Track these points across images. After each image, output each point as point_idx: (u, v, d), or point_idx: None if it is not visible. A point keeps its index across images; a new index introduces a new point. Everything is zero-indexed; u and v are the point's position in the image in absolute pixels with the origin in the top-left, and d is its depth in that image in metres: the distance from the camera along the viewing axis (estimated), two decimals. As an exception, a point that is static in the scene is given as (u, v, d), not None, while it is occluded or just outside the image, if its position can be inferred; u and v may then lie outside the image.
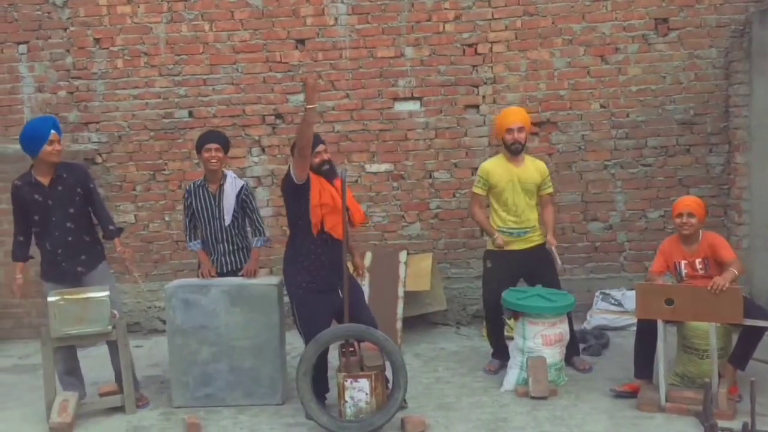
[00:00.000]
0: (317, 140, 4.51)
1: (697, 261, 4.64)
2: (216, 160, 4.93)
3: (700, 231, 4.66)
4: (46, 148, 4.55)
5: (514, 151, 5.09)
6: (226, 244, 5.02)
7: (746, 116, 6.03)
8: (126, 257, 4.79)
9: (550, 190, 5.27)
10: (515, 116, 5.10)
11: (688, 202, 4.70)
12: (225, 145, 5.03)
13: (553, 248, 5.10)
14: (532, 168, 5.16)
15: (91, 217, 4.80)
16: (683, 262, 4.67)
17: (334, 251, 4.42)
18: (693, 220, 4.59)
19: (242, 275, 4.93)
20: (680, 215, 4.62)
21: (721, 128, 6.30)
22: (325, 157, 4.51)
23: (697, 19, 6.28)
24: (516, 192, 5.09)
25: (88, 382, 4.97)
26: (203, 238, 5.05)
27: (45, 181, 4.63)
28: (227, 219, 4.98)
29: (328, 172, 4.51)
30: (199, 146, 5.00)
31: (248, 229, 5.14)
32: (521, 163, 5.14)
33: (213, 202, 4.99)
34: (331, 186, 4.47)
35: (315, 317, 4.45)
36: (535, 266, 5.14)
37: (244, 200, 5.01)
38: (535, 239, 5.15)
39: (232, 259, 5.04)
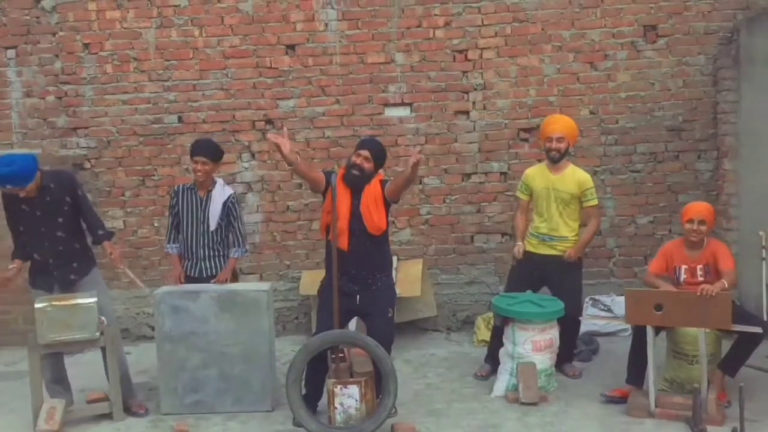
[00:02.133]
0: (362, 144, 4.47)
1: (699, 267, 4.63)
2: (202, 173, 4.95)
3: (706, 238, 4.66)
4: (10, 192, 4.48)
5: (552, 159, 5.12)
6: (207, 249, 5.03)
7: (734, 123, 6.06)
8: (114, 257, 4.70)
9: (593, 203, 5.16)
10: (556, 125, 5.14)
11: (700, 209, 4.64)
12: (214, 156, 5.01)
13: (565, 256, 5.09)
14: (571, 178, 5.12)
15: (80, 223, 4.75)
16: (684, 267, 4.67)
17: (345, 259, 4.32)
18: (703, 228, 4.57)
19: (214, 282, 4.93)
20: (691, 221, 4.59)
21: (710, 135, 6.33)
22: (357, 161, 4.34)
23: (686, 26, 6.32)
24: (549, 200, 5.11)
25: (76, 389, 4.93)
26: (184, 241, 5.06)
27: (32, 193, 4.51)
28: (212, 224, 4.99)
29: (350, 178, 4.33)
30: (190, 155, 5.03)
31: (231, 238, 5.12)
32: (560, 172, 5.13)
33: (200, 206, 5.01)
34: (347, 193, 4.32)
35: (324, 310, 4.45)
36: (556, 275, 5.12)
37: (230, 208, 5.02)
38: (561, 248, 5.12)
39: (211, 264, 5.04)
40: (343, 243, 4.32)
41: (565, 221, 5.13)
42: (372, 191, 4.36)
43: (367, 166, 4.37)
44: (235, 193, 5.15)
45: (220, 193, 5.02)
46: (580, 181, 5.13)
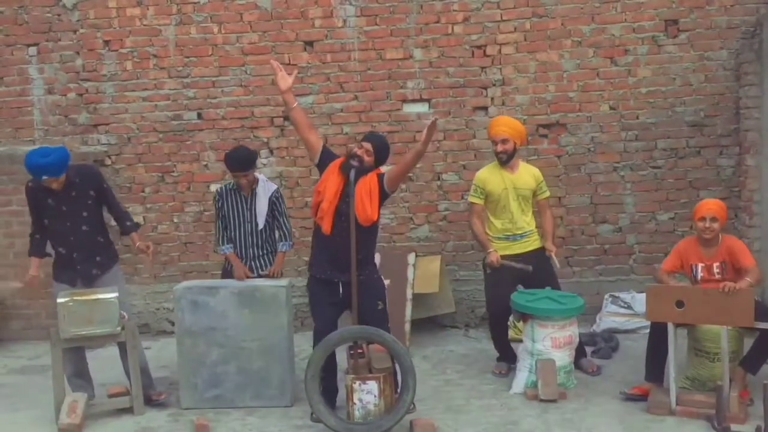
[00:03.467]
0: (366, 137, 4.48)
1: (715, 265, 4.58)
2: (246, 184, 4.97)
3: (720, 234, 4.62)
4: (43, 183, 4.56)
5: (500, 161, 5.12)
6: (256, 248, 5.06)
7: (757, 118, 5.99)
8: (147, 251, 4.78)
9: (547, 194, 5.27)
10: (498, 128, 5.12)
11: (712, 206, 4.61)
12: (251, 165, 4.97)
13: (553, 255, 5.16)
14: (527, 174, 5.17)
15: (104, 218, 4.83)
16: (700, 265, 4.62)
17: (328, 243, 4.34)
18: (716, 225, 4.54)
19: (266, 275, 5.00)
20: (703, 219, 4.55)
21: (732, 130, 6.26)
22: (359, 152, 4.32)
23: (708, 20, 6.25)
24: (511, 199, 5.10)
25: (97, 383, 4.98)
26: (232, 241, 5.07)
27: (60, 186, 4.61)
28: (260, 223, 5.01)
29: (347, 167, 4.30)
30: (228, 168, 5.01)
31: (277, 233, 5.17)
32: (515, 170, 5.14)
33: (245, 206, 5.02)
34: (340, 179, 4.32)
35: (317, 305, 4.49)
36: (534, 271, 5.10)
37: (274, 203, 5.04)
38: (531, 244, 5.14)
39: (260, 263, 5.08)
40: (327, 226, 4.30)
41: (528, 216, 5.16)
42: (368, 182, 4.32)
43: (367, 159, 4.35)
44: (278, 188, 5.17)
45: (264, 189, 5.03)
46: (535, 175, 5.20)
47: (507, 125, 5.13)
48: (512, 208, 5.10)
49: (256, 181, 5.05)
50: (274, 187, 5.13)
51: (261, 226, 5.01)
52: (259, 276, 5.04)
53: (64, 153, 4.58)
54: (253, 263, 5.06)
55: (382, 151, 4.42)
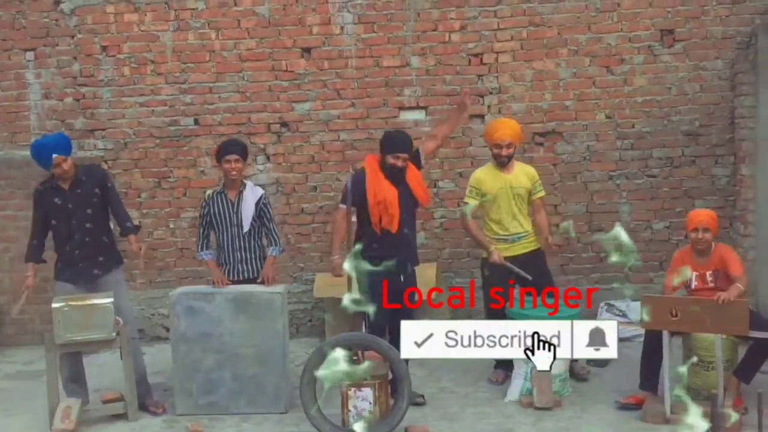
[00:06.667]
0: (393, 148, 4.82)
1: (708, 273, 4.63)
2: (236, 171, 4.97)
3: (713, 243, 4.66)
4: (55, 170, 4.65)
5: (501, 164, 5.17)
6: (242, 251, 5.02)
7: (752, 128, 6.01)
8: (140, 252, 4.77)
9: (542, 194, 5.31)
10: (503, 132, 5.15)
11: (703, 217, 4.67)
12: (244, 154, 5.08)
13: (550, 240, 5.21)
14: (522, 174, 5.22)
15: (108, 218, 4.86)
16: (694, 274, 4.66)
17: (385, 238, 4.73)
18: (708, 235, 4.60)
19: (260, 282, 4.95)
20: (696, 230, 4.61)
21: (727, 140, 6.28)
22: (399, 165, 4.78)
23: (703, 30, 6.28)
24: (508, 199, 5.13)
25: (91, 389, 4.97)
26: (219, 246, 5.06)
27: (65, 185, 4.71)
28: (245, 226, 4.99)
29: (392, 174, 4.81)
30: (220, 156, 5.03)
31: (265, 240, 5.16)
32: (511, 170, 5.20)
33: (231, 209, 5.01)
34: (391, 185, 4.76)
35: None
36: (533, 270, 5.10)
37: (262, 209, 5.04)
38: (528, 245, 5.17)
39: (249, 267, 5.03)
40: (396, 225, 4.73)
41: (524, 217, 5.20)
42: (411, 173, 4.83)
43: (403, 164, 4.80)
44: (265, 193, 5.18)
45: (251, 193, 5.04)
46: (529, 174, 5.25)
47: (511, 128, 5.20)
48: (507, 208, 5.13)
49: (243, 184, 5.05)
50: (261, 192, 5.13)
51: (246, 229, 4.98)
52: (246, 281, 4.98)
53: (65, 136, 4.91)
54: (240, 266, 5.01)
55: (410, 149, 4.85)
